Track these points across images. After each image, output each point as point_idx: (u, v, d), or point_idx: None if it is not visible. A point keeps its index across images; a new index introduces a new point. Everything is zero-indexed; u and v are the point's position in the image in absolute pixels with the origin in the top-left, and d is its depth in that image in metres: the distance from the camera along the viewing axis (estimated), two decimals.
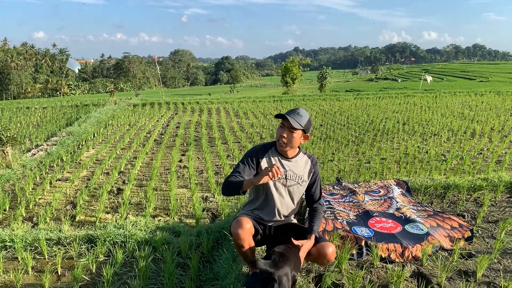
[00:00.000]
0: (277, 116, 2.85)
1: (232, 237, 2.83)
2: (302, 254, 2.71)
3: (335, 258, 3.26)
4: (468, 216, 4.44)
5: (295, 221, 3.17)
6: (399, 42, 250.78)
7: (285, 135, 2.80)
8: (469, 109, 15.77)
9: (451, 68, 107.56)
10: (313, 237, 2.79)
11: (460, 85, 46.38)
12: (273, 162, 2.88)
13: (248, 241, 2.75)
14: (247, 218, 2.78)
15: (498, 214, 4.47)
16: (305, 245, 2.72)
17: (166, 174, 7.26)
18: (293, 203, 3.01)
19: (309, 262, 3.29)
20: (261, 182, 2.48)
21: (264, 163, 2.87)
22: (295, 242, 2.67)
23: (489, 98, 19.76)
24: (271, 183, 2.89)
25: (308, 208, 3.12)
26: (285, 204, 2.97)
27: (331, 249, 2.76)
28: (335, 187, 5.19)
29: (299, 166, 2.94)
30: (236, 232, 2.72)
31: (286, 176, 2.90)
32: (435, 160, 7.88)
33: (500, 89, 26.57)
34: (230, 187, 2.66)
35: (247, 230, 2.72)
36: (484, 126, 11.73)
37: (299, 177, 2.93)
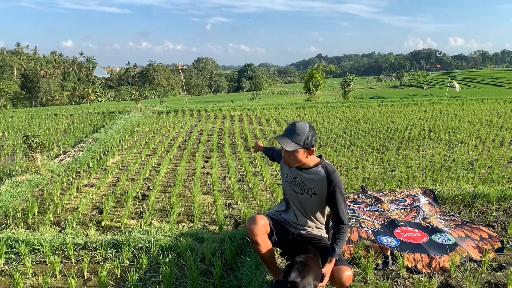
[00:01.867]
0: (273, 138, 2.99)
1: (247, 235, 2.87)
2: (325, 280, 2.65)
3: (360, 268, 3.22)
4: (498, 226, 4.32)
5: (319, 232, 3.05)
6: (424, 48, 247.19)
7: (286, 156, 2.77)
8: (497, 116, 15.37)
9: (478, 75, 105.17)
10: (334, 260, 2.72)
11: (488, 92, 45.31)
12: (286, 167, 2.96)
13: (261, 238, 2.76)
14: (262, 215, 2.84)
15: None
16: (329, 270, 2.68)
17: (190, 181, 7.32)
18: (306, 214, 2.94)
19: None
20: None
21: (281, 164, 3.05)
22: (323, 270, 2.64)
23: None
24: (284, 184, 3.00)
25: (333, 225, 2.92)
26: (299, 211, 2.94)
27: (347, 274, 2.66)
28: (359, 195, 5.13)
29: (312, 179, 2.82)
30: (249, 227, 2.77)
31: (295, 182, 2.89)
32: (462, 168, 7.70)
33: None
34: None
35: (260, 225, 2.75)
36: None
37: (308, 188, 2.84)
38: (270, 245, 2.82)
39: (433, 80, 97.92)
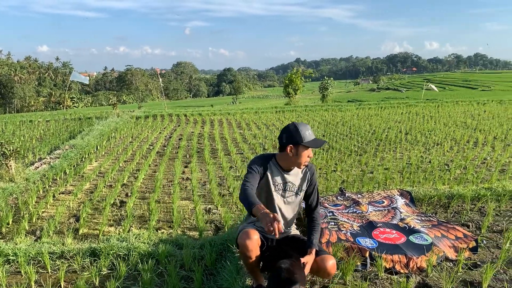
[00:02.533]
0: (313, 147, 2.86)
1: (238, 248, 2.83)
2: (307, 270, 2.70)
3: (339, 270, 3.25)
4: (472, 226, 4.42)
5: (295, 232, 3.17)
6: (401, 52, 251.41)
7: (311, 157, 2.87)
8: (471, 118, 15.76)
9: (453, 78, 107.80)
10: (313, 251, 2.79)
11: (462, 94, 46.36)
12: (276, 176, 2.91)
13: (255, 252, 2.75)
14: (254, 230, 2.79)
15: (503, 224, 4.45)
16: (309, 262, 2.74)
17: (169, 186, 7.26)
18: (293, 214, 3.05)
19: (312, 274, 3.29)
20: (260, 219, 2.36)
21: (268, 172, 2.89)
22: (302, 259, 2.67)
23: (492, 107, 19.75)
24: (274, 195, 2.91)
25: (307, 218, 3.12)
26: (286, 215, 3.00)
27: (331, 262, 2.76)
28: (338, 197, 5.17)
29: (298, 177, 2.97)
30: (244, 244, 2.71)
31: (286, 188, 2.93)
32: (439, 169, 7.86)
33: (503, 98, 26.54)
34: (244, 202, 2.57)
35: (255, 241, 2.73)
36: (487, 135, 11.70)
37: (297, 187, 2.97)
38: (259, 256, 2.82)
39: (410, 83, 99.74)
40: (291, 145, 2.79)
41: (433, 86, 35.60)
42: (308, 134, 2.79)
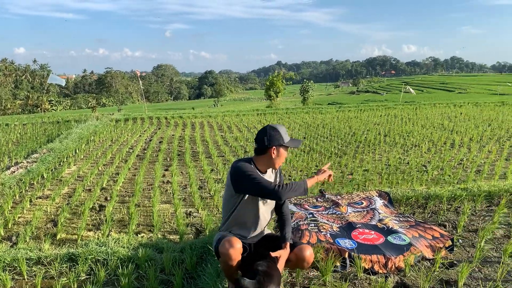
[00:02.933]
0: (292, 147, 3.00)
1: (220, 257, 2.80)
2: (281, 264, 2.72)
3: (319, 271, 3.28)
4: (449, 225, 4.51)
5: (267, 231, 3.20)
6: (380, 55, 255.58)
7: (286, 157, 2.99)
8: (448, 120, 16.08)
9: (430, 80, 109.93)
10: (287, 245, 2.83)
11: (440, 97, 47.30)
12: None
13: (237, 261, 2.75)
14: (236, 238, 2.78)
15: (478, 223, 4.56)
16: (283, 255, 2.76)
17: (149, 190, 7.20)
18: (271, 214, 3.09)
19: (291, 271, 3.32)
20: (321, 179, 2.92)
21: None
22: (273, 254, 2.68)
23: (468, 109, 20.19)
24: (258, 200, 2.92)
25: (277, 214, 3.13)
26: (267, 217, 3.01)
27: (308, 252, 2.83)
28: (318, 199, 5.22)
29: (271, 177, 3.02)
30: (227, 253, 2.69)
31: None
32: (416, 170, 7.99)
33: (478, 100, 27.16)
34: (295, 192, 2.74)
35: (238, 250, 2.72)
36: (463, 136, 11.96)
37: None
38: (239, 259, 2.81)
39: (388, 86, 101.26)
40: (274, 147, 2.82)
41: (410, 89, 36.25)
42: (286, 135, 2.87)
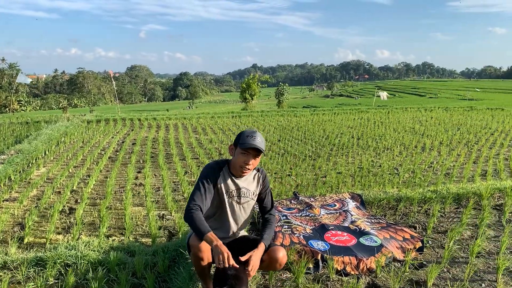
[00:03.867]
0: (248, 148, 2.79)
1: (190, 250, 2.80)
2: (255, 264, 2.68)
3: (292, 273, 3.29)
4: (419, 227, 4.60)
5: (243, 233, 3.20)
6: (353, 60, 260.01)
7: (251, 163, 2.83)
8: (419, 124, 16.45)
9: (402, 85, 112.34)
10: (262, 245, 2.80)
11: (411, 101, 48.33)
12: (228, 184, 2.92)
13: (207, 254, 2.73)
14: None
15: (447, 225, 4.67)
16: (256, 254, 2.71)
17: (121, 192, 7.07)
18: (247, 218, 3.08)
19: (264, 272, 3.32)
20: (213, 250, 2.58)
21: (220, 183, 2.90)
22: (242, 258, 2.67)
23: (438, 114, 20.72)
24: (226, 203, 2.91)
25: (261, 220, 3.16)
26: (239, 221, 3.02)
27: (281, 253, 2.83)
28: (292, 201, 5.24)
29: (250, 182, 3.00)
30: (196, 245, 2.69)
31: (240, 194, 2.94)
32: (388, 173, 8.14)
33: (448, 105, 27.93)
34: (193, 227, 2.67)
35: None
36: (434, 140, 12.26)
37: (252, 192, 3.00)
38: (211, 259, 2.80)
39: (362, 90, 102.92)
40: (232, 145, 2.91)
41: (381, 93, 37.02)
42: (247, 138, 2.80)
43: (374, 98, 44.00)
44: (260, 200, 3.08)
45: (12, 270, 3.83)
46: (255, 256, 2.71)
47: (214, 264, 3.11)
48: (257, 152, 2.81)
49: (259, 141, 2.79)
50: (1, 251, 4.29)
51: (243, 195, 2.96)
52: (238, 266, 2.56)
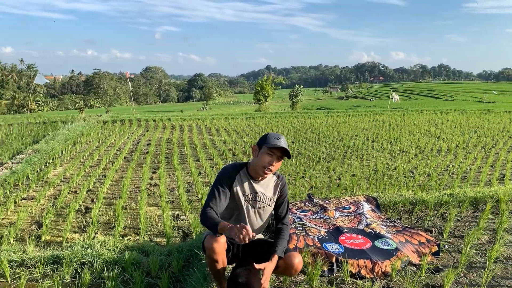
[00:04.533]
0: (274, 148, 2.79)
1: (205, 252, 2.81)
2: (267, 277, 2.67)
3: (306, 275, 3.27)
4: (435, 231, 4.54)
5: (261, 236, 3.18)
6: (368, 61, 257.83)
7: (275, 164, 2.82)
8: (435, 126, 16.26)
9: (418, 87, 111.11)
10: (275, 257, 2.77)
11: (427, 104, 47.84)
12: (245, 187, 2.90)
13: (222, 256, 2.73)
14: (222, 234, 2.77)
15: (464, 229, 4.60)
16: (268, 267, 2.70)
17: (136, 192, 7.14)
18: (263, 224, 3.05)
19: (278, 276, 3.31)
20: (229, 233, 2.47)
21: (236, 186, 2.88)
22: (257, 266, 2.66)
23: (454, 116, 20.45)
24: (243, 206, 2.91)
25: (275, 228, 3.10)
26: (254, 225, 2.99)
27: (297, 259, 2.80)
28: (306, 203, 5.22)
29: (269, 188, 2.98)
30: (211, 246, 2.69)
31: (256, 198, 2.93)
32: (404, 176, 8.06)
33: (464, 107, 27.56)
34: (207, 225, 2.67)
35: (221, 243, 2.71)
36: (450, 143, 12.11)
37: (269, 198, 2.97)
38: (225, 261, 2.80)
39: (377, 92, 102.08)
40: (256, 146, 2.88)
41: (394, 96, 36.71)
42: (274, 139, 2.81)
43: (389, 100, 43.66)
44: (275, 207, 3.05)
45: (30, 267, 3.90)
46: (268, 269, 2.70)
47: (229, 266, 3.14)
48: (281, 153, 2.81)
49: (284, 143, 2.81)
50: (19, 249, 4.36)
51: (259, 200, 2.94)
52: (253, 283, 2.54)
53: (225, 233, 2.53)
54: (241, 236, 2.32)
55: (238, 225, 2.38)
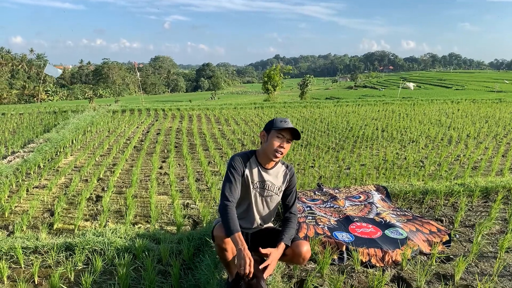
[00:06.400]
0: (281, 129, 2.78)
1: (214, 241, 2.83)
2: (272, 263, 2.65)
3: (317, 264, 3.28)
4: (446, 220, 4.53)
5: (271, 225, 3.18)
6: (378, 50, 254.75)
7: (285, 146, 2.82)
8: (445, 116, 16.11)
9: (428, 77, 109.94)
10: (282, 245, 2.76)
11: (437, 93, 47.35)
12: (254, 174, 2.90)
13: (230, 245, 2.74)
14: None
15: (475, 219, 4.58)
16: (274, 254, 2.67)
17: (146, 181, 7.18)
18: (270, 212, 3.04)
19: (288, 264, 3.32)
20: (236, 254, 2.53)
21: (246, 173, 2.88)
22: (262, 251, 2.66)
23: (465, 106, 20.24)
24: (251, 193, 2.91)
25: (282, 217, 3.09)
26: (263, 213, 2.99)
27: (305, 248, 2.79)
28: (316, 192, 5.22)
29: (277, 177, 2.97)
30: (220, 235, 2.72)
31: (264, 186, 2.92)
32: (414, 166, 8.01)
33: (475, 97, 27.24)
34: (224, 222, 2.65)
35: None
36: (461, 133, 11.99)
37: (277, 187, 2.96)
38: (235, 250, 2.81)
39: (386, 82, 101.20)
40: (264, 131, 2.88)
41: (409, 84, 36.32)
42: (281, 123, 2.81)
43: (399, 89, 43.26)
44: (284, 196, 3.04)
45: (43, 254, 3.95)
46: (274, 255, 2.66)
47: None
48: (291, 135, 2.81)
49: (291, 125, 2.81)
50: (32, 236, 4.42)
51: (267, 188, 2.93)
52: (256, 272, 2.53)
53: (235, 249, 2.58)
54: (241, 268, 2.43)
55: (247, 258, 2.44)
